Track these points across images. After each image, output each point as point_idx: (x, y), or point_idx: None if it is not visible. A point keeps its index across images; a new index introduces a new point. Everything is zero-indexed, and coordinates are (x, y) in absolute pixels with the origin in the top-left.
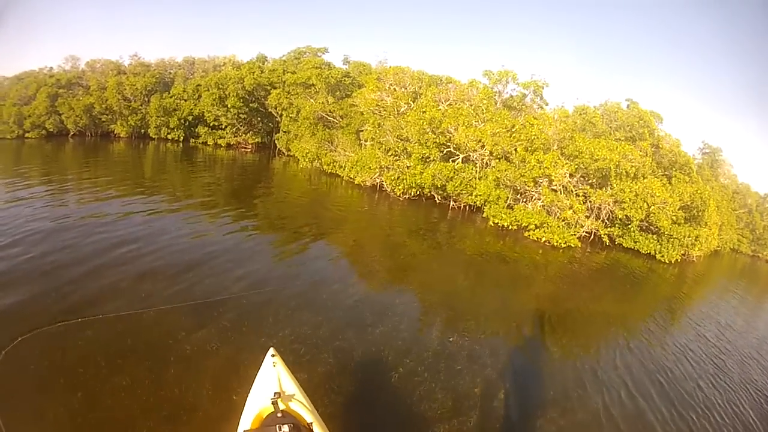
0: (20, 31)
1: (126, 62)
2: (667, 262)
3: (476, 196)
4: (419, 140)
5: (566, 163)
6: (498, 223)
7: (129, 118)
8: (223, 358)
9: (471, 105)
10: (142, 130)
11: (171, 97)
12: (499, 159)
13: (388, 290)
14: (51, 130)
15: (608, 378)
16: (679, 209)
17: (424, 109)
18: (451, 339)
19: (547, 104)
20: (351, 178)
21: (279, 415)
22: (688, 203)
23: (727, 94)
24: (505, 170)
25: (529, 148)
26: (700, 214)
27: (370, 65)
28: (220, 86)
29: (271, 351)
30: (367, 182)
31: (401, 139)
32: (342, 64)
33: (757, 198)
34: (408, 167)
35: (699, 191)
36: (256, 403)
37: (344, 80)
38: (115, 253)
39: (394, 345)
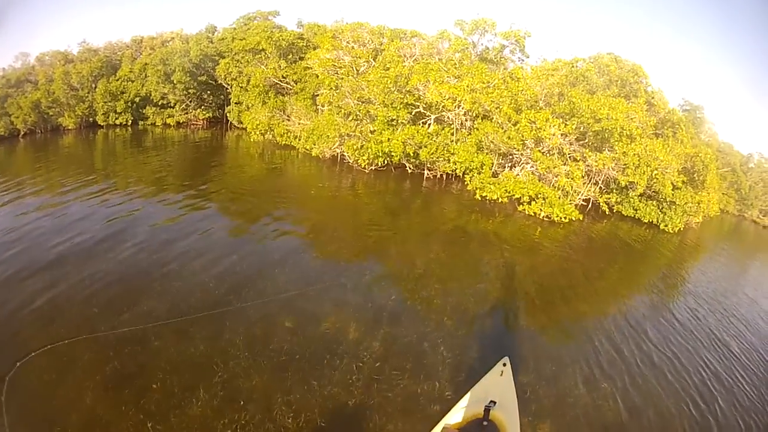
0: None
1: (75, 51)
2: (671, 231)
3: (455, 163)
4: (384, 101)
5: (561, 123)
6: (486, 196)
7: (76, 108)
8: None
9: (441, 59)
10: (91, 119)
11: (117, 80)
12: (478, 119)
13: (356, 284)
14: (2, 133)
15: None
16: (679, 173)
17: (387, 66)
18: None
19: (528, 56)
20: (308, 149)
21: (485, 422)
22: (688, 166)
23: (707, 48)
24: (490, 132)
25: (514, 106)
26: (700, 178)
27: (326, 26)
28: (166, 62)
29: (504, 360)
30: (326, 153)
31: (363, 101)
32: (296, 28)
33: (740, 158)
34: (372, 132)
35: (699, 154)
36: (469, 404)
37: (297, 42)
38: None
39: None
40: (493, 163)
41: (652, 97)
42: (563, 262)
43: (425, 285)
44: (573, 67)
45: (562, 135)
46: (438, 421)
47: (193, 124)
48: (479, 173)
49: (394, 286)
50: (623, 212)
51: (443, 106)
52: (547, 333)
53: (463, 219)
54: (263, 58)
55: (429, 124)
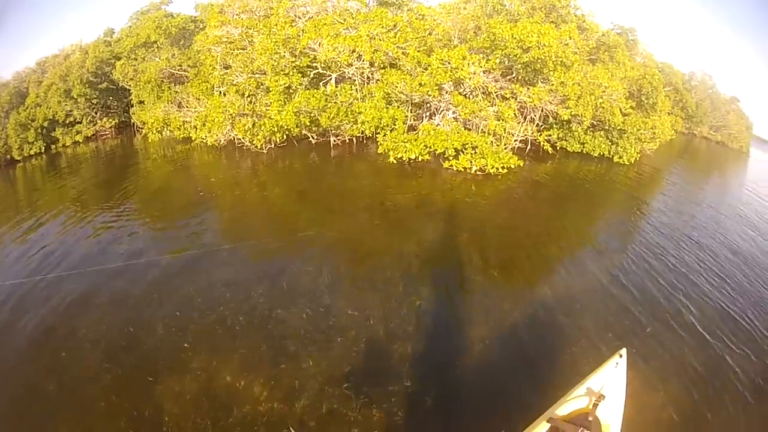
0: None
1: None
2: (626, 163)
3: (362, 124)
4: (274, 68)
5: (482, 59)
6: (402, 157)
7: None
8: None
9: (336, 11)
10: (8, 156)
11: (25, 109)
12: (385, 68)
13: (250, 315)
14: None
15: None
16: (626, 99)
17: (274, 29)
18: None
19: None
20: (203, 139)
21: (590, 418)
22: (634, 90)
23: None
24: (398, 81)
25: (423, 48)
26: (649, 101)
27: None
28: (65, 78)
29: (621, 352)
30: (221, 140)
31: (254, 74)
32: (195, 12)
33: (681, 76)
34: (269, 106)
35: (647, 75)
36: (578, 396)
37: (188, 26)
38: None
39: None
40: (406, 117)
41: (583, 21)
42: (505, 225)
43: (335, 306)
44: None
45: (484, 72)
46: (543, 412)
47: (102, 135)
48: (392, 130)
49: (297, 309)
50: (568, 148)
51: (342, 62)
52: (498, 320)
53: (380, 193)
54: (156, 50)
55: (328, 85)
